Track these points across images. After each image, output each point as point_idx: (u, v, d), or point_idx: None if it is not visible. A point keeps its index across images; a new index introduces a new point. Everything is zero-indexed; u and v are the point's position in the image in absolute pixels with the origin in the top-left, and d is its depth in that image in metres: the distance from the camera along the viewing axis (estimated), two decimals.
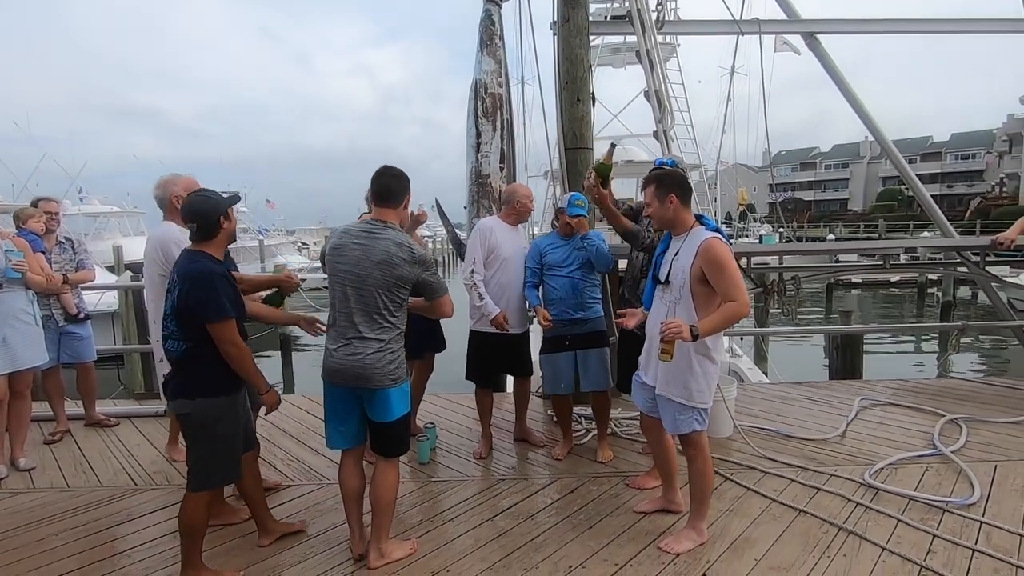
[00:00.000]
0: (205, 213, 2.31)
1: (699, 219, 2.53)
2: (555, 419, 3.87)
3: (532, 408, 3.98)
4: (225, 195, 2.41)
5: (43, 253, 3.88)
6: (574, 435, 3.86)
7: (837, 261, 7.97)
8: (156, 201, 3.13)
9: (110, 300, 9.53)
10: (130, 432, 4.18)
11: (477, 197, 4.23)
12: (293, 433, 4.03)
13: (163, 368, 2.66)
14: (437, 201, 4.89)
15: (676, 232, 2.55)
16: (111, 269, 14.14)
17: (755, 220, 40.27)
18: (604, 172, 3.32)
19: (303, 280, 3.17)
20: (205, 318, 2.21)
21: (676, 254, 2.50)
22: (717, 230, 2.46)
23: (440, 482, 3.32)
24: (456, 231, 4.56)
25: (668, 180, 2.53)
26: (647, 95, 4.74)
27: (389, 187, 2.45)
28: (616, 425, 3.97)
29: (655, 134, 4.61)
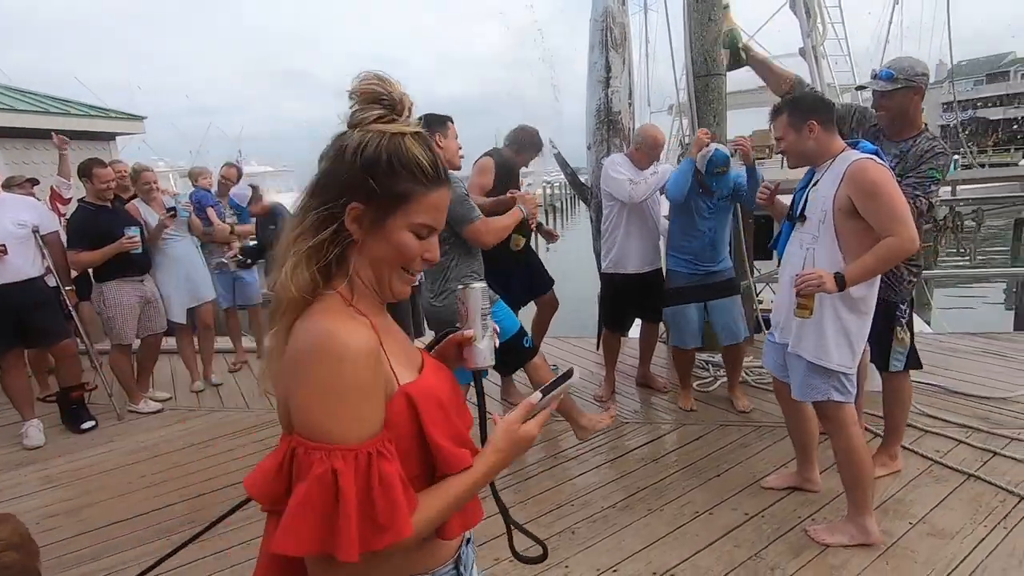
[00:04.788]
0: None
1: (853, 145, 2.10)
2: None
3: (656, 354, 3.90)
4: None
5: (214, 206, 4.47)
6: (702, 382, 3.74)
7: None
8: None
9: None
10: None
11: (607, 136, 4.03)
12: None
13: None
14: (552, 143, 4.77)
15: (820, 163, 2.11)
16: None
17: None
18: (732, 45, 2.87)
19: None
20: None
21: (815, 184, 2.09)
22: (876, 153, 2.03)
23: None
24: (576, 175, 4.45)
25: (803, 103, 2.13)
26: (793, 5, 4.15)
27: None
28: (748, 373, 3.76)
29: (801, 51, 4.06)
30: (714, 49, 3.80)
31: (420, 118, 2.51)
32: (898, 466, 2.59)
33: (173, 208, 4.01)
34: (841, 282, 1.92)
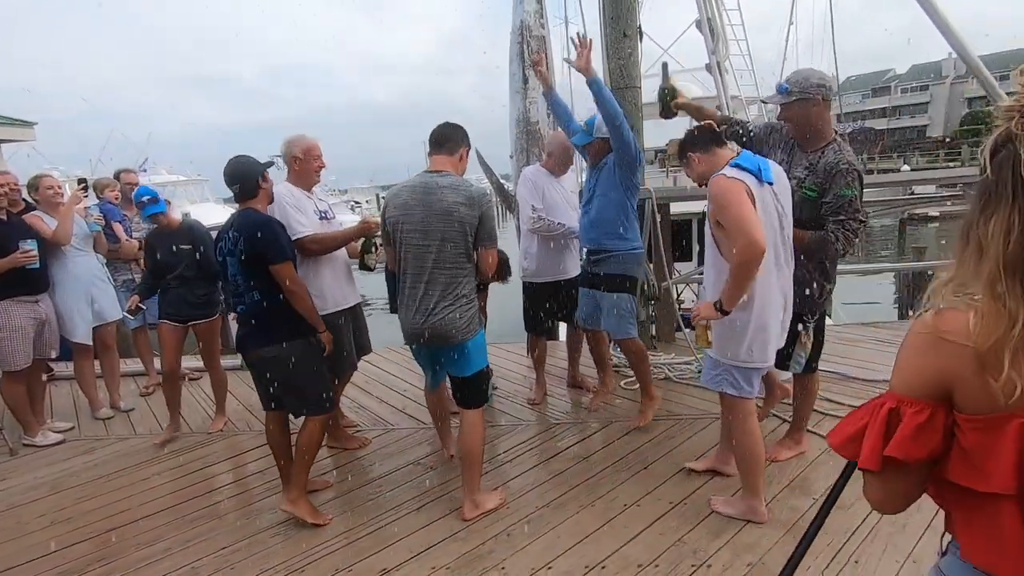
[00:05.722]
0: (245, 175, 2.53)
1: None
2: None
3: (585, 355, 4.02)
4: (264, 161, 2.67)
5: (121, 222, 4.18)
6: (628, 380, 3.90)
7: (912, 194, 7.41)
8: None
9: None
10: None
11: (526, 145, 4.16)
12: (359, 383, 4.25)
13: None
14: (478, 152, 4.85)
15: None
16: None
17: None
18: (664, 99, 2.93)
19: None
20: (270, 260, 2.42)
21: None
22: (737, 165, 2.09)
23: (497, 426, 3.45)
24: (502, 182, 4.53)
25: (682, 144, 2.34)
26: (699, 25, 4.45)
27: (444, 133, 2.46)
28: (670, 370, 3.97)
29: (707, 67, 4.35)
30: (629, 65, 4.01)
31: (447, 127, 2.48)
32: (803, 448, 2.82)
33: (84, 180, 3.74)
34: (720, 308, 2.11)
